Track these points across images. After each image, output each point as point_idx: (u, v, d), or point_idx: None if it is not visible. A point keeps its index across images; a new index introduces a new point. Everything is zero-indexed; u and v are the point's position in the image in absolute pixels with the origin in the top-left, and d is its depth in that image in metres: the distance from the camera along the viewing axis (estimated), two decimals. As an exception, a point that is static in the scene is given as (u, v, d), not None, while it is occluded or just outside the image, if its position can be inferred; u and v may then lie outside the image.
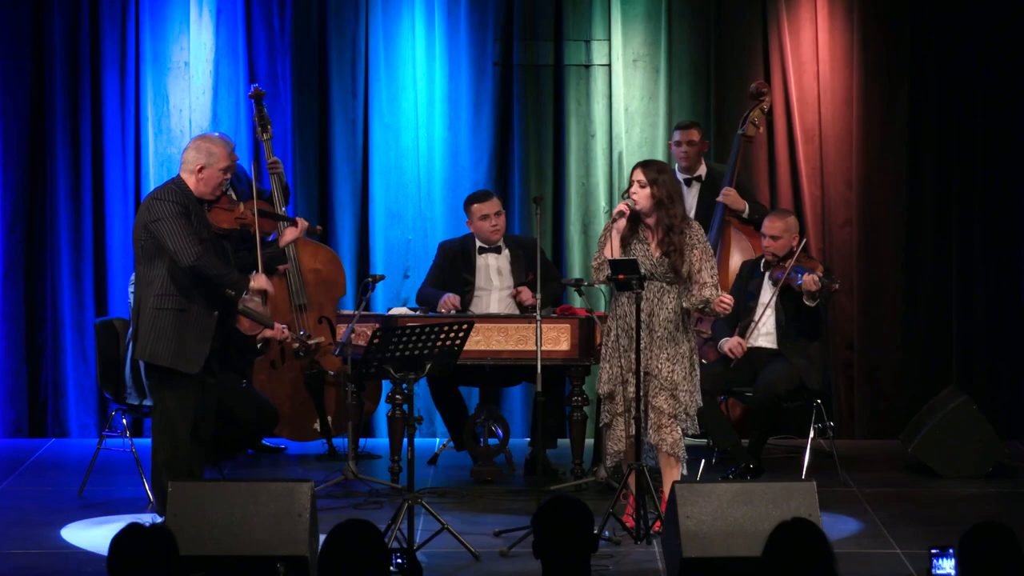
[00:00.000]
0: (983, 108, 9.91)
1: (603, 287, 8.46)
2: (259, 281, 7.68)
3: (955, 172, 9.95)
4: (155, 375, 7.58)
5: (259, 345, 8.81)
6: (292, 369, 9.33)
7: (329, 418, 9.29)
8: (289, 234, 8.05)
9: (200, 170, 7.55)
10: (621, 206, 7.65)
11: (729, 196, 9.26)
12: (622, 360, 7.63)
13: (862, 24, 9.94)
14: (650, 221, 7.67)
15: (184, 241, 7.38)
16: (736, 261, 9.24)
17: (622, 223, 7.62)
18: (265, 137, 9.38)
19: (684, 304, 7.63)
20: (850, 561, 6.97)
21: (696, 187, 9.35)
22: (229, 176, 7.68)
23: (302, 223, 8.07)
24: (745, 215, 9.30)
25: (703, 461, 8.75)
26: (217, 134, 9.38)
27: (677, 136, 9.37)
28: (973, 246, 9.94)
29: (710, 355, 8.99)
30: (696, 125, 9.41)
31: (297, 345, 9.09)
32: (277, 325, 8.63)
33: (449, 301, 8.84)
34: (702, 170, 9.38)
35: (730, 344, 8.72)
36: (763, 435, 8.77)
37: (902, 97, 9.94)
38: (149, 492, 8.14)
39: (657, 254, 7.62)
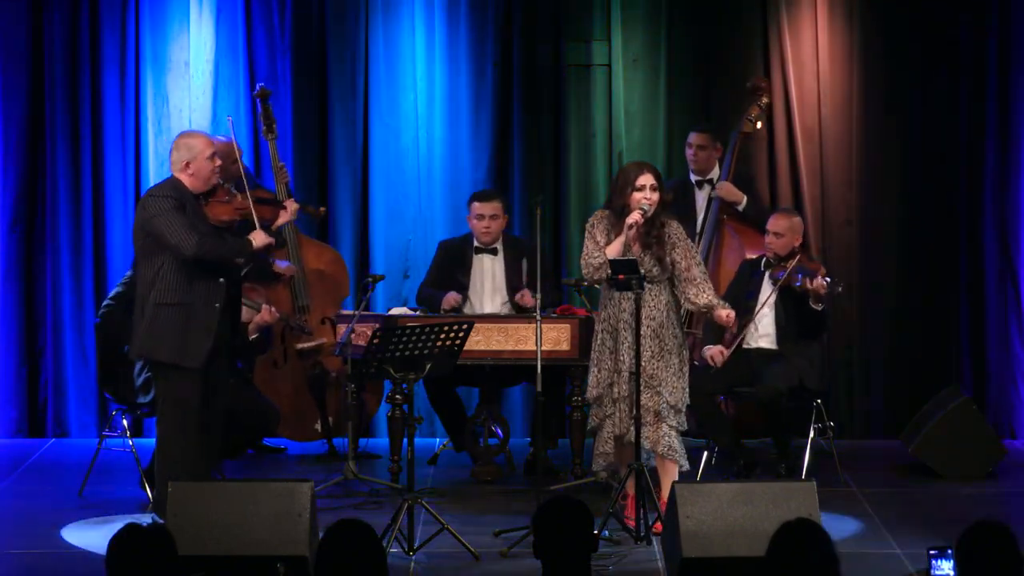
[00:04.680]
0: (985, 108, 9.90)
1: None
2: (259, 238, 7.66)
3: (956, 172, 9.94)
4: (158, 372, 7.58)
5: (253, 337, 8.77)
6: (293, 369, 9.33)
7: (331, 418, 9.28)
8: (281, 217, 8.03)
9: (187, 166, 7.59)
10: (636, 216, 7.63)
11: (723, 189, 9.30)
12: (608, 361, 7.64)
13: (862, 24, 9.93)
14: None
15: (183, 232, 7.40)
16: (729, 261, 9.22)
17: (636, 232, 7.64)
18: (271, 137, 9.35)
19: (686, 306, 7.69)
20: (850, 561, 6.92)
21: (707, 189, 9.39)
22: (219, 163, 7.69)
23: (292, 205, 8.09)
24: (741, 207, 9.32)
25: (703, 461, 8.74)
26: (222, 136, 9.38)
27: (689, 138, 9.46)
28: (973, 245, 9.93)
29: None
30: (708, 132, 9.43)
31: (299, 340, 9.11)
32: (264, 307, 8.64)
33: (451, 298, 8.84)
34: (715, 173, 9.40)
35: (711, 352, 8.68)
36: (779, 436, 8.73)
37: (902, 97, 9.94)
38: (149, 492, 8.13)
39: (638, 249, 7.62)
